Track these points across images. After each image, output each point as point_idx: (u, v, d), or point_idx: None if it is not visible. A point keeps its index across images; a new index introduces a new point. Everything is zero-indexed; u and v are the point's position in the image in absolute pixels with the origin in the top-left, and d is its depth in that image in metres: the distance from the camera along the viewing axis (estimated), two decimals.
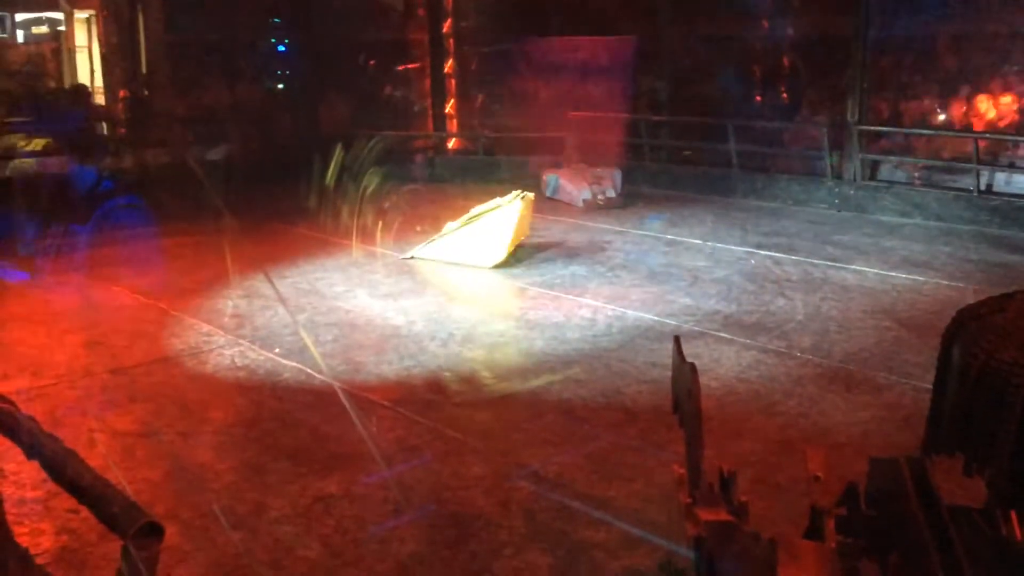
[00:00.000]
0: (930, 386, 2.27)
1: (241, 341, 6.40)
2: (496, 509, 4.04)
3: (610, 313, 6.98)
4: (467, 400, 5.38)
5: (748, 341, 6.24)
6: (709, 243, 9.40)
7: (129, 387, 5.59)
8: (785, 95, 13.54)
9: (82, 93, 14.33)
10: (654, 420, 4.87)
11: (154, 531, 1.81)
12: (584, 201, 11.50)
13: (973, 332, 2.03)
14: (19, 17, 15.90)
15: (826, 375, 5.61)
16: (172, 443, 4.79)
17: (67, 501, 2.36)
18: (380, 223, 9.49)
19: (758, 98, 13.43)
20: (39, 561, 2.87)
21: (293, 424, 5.02)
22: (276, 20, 15.56)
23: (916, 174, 11.54)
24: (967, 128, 11.43)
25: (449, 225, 8.78)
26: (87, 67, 15.42)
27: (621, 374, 5.67)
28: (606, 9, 14.10)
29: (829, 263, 8.48)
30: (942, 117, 12.15)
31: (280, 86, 15.77)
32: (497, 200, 8.77)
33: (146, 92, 14.19)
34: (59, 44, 15.73)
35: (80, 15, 15.51)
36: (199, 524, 3.93)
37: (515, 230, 8.58)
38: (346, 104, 15.12)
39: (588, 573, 3.56)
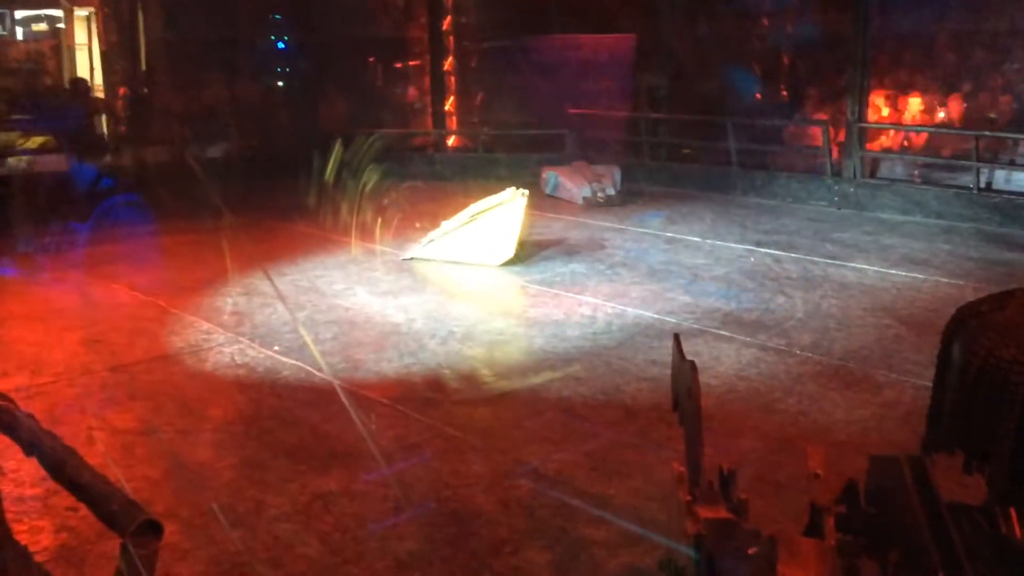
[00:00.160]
0: (930, 384, 2.27)
1: (241, 339, 6.40)
2: (496, 507, 4.04)
3: (610, 311, 6.98)
4: (467, 398, 5.37)
5: (748, 339, 6.24)
6: (709, 241, 9.40)
7: (128, 385, 5.59)
8: (785, 93, 13.55)
9: (81, 88, 14.31)
10: (654, 418, 4.87)
11: (153, 529, 1.81)
12: (584, 199, 11.50)
13: (973, 330, 2.03)
14: (19, 15, 15.88)
15: (826, 373, 5.61)
16: (171, 441, 4.79)
17: (66, 499, 2.36)
18: (380, 221, 9.49)
19: (758, 96, 13.43)
20: (38, 559, 2.86)
21: (293, 422, 5.02)
22: (276, 17, 15.55)
23: (916, 171, 11.55)
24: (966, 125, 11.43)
25: (446, 224, 8.74)
26: (87, 65, 15.40)
27: (621, 372, 5.67)
28: (606, 6, 14.09)
29: (829, 261, 8.47)
30: (941, 115, 12.15)
31: (280, 83, 15.76)
32: (494, 197, 8.77)
33: (146, 90, 14.18)
34: (59, 42, 15.71)
35: (80, 12, 15.48)
36: (199, 522, 3.93)
37: (521, 226, 8.58)
38: (346, 101, 15.11)
39: (588, 570, 3.56)
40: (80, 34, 15.55)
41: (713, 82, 13.25)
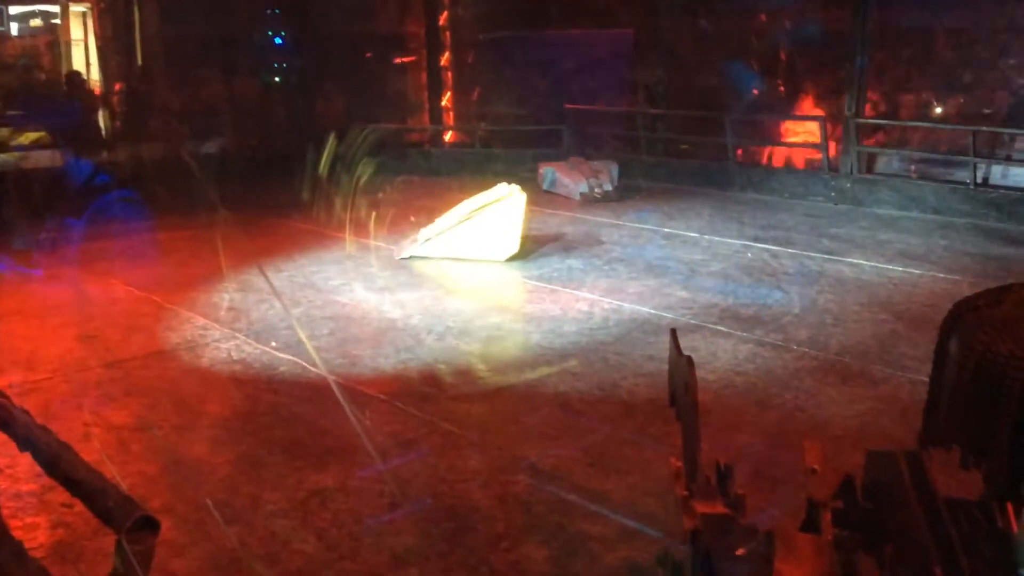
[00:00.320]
0: (926, 379, 2.27)
1: (237, 335, 6.39)
2: (493, 502, 4.04)
3: (607, 306, 6.98)
4: (464, 393, 5.37)
5: (745, 334, 6.24)
6: (706, 236, 9.40)
7: (124, 381, 5.58)
8: (782, 88, 13.54)
9: (77, 83, 14.26)
10: (651, 413, 4.87)
11: (149, 525, 1.80)
12: (581, 194, 11.49)
13: (970, 325, 2.03)
14: (13, 10, 15.82)
15: (823, 368, 5.61)
16: (168, 437, 4.78)
17: (62, 495, 2.35)
18: (377, 216, 9.47)
19: (755, 91, 13.43)
20: (34, 555, 2.86)
21: (289, 418, 5.01)
22: (273, 13, 15.52)
23: (912, 167, 11.55)
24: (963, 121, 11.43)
25: (442, 220, 8.70)
26: (83, 61, 15.35)
27: (618, 367, 5.67)
28: (604, 1, 14.08)
29: (826, 256, 8.48)
30: (939, 110, 12.15)
31: (277, 79, 15.73)
32: (488, 193, 8.75)
33: (142, 86, 14.14)
34: (54, 37, 15.66)
35: (76, 8, 15.43)
36: (195, 518, 3.92)
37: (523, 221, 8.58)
38: (343, 97, 15.08)
39: (585, 566, 3.56)
40: (76, 30, 15.49)
41: (711, 78, 13.24)
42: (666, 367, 2.72)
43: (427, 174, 13.30)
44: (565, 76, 14.49)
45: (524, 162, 12.84)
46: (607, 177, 11.81)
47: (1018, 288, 2.11)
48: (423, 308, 7.01)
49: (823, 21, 12.50)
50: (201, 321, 6.72)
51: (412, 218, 9.56)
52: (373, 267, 8.29)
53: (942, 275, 7.73)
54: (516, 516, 3.92)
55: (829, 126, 11.65)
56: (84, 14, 15.27)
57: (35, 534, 3.78)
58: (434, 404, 5.15)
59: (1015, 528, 1.75)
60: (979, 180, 10.40)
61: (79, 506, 1.96)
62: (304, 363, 5.80)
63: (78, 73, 14.64)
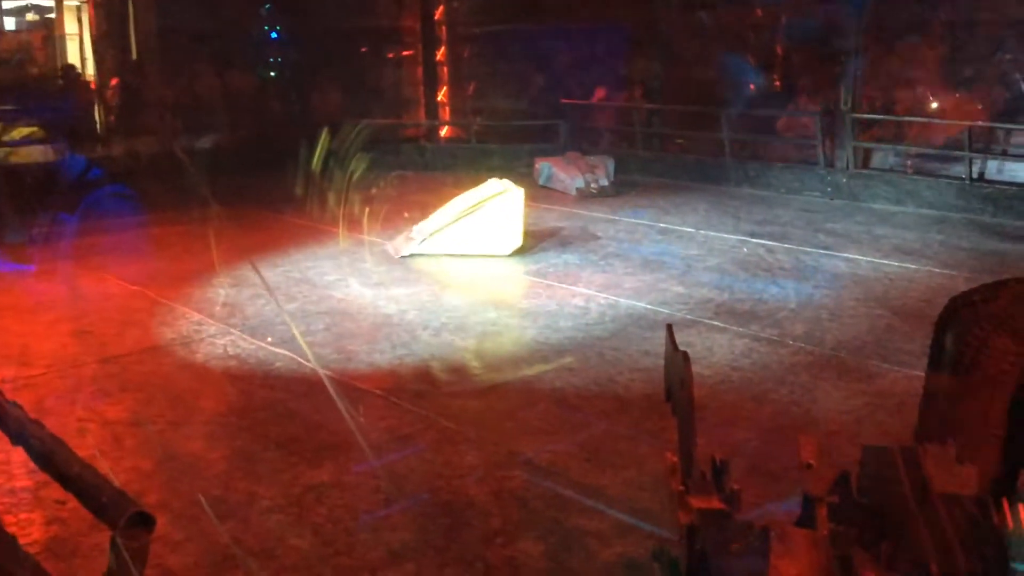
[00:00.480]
0: (922, 374, 2.27)
1: (232, 330, 6.38)
2: (489, 497, 4.03)
3: (603, 302, 6.98)
4: (459, 389, 5.37)
5: (741, 329, 6.24)
6: (702, 231, 9.40)
7: (119, 376, 5.56)
8: (778, 83, 13.53)
9: (71, 76, 14.20)
10: (647, 408, 4.87)
11: (144, 521, 1.79)
12: (577, 189, 11.48)
13: (966, 319, 2.03)
14: (8, 4, 15.75)
15: (819, 363, 5.61)
16: (163, 432, 4.77)
17: (57, 491, 2.34)
18: (371, 212, 9.45)
19: (751, 86, 13.42)
20: (29, 551, 2.85)
21: (285, 413, 5.01)
22: (268, 7, 15.47)
23: (908, 162, 11.55)
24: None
25: (438, 216, 8.67)
26: (77, 55, 15.30)
27: (614, 362, 5.67)
28: None
29: (822, 251, 8.48)
30: (935, 105, 12.15)
31: (272, 74, 15.68)
32: (481, 188, 8.74)
33: (136, 80, 14.09)
34: (49, 32, 15.60)
35: (70, 2, 15.37)
36: (190, 513, 3.92)
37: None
38: (338, 92, 15.05)
39: (581, 561, 3.56)
40: (70, 24, 15.44)
41: (707, 72, 13.22)
42: (662, 362, 2.71)
43: (421, 169, 13.28)
44: (561, 71, 14.47)
45: (520, 157, 12.83)
46: (603, 172, 11.81)
47: (1013, 283, 2.11)
48: (419, 303, 7.01)
49: (819, 16, 12.49)
50: (196, 316, 6.71)
51: (406, 214, 9.54)
52: (368, 262, 8.28)
53: (938, 270, 7.73)
54: (512, 511, 3.92)
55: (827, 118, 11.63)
56: (78, 8, 15.21)
57: (30, 530, 3.77)
58: (430, 399, 5.15)
59: (1010, 524, 1.76)
60: (975, 175, 10.41)
61: (74, 502, 1.95)
62: (299, 358, 5.79)
63: (73, 67, 14.59)
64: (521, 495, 4.05)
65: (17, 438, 2.03)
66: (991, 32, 11.73)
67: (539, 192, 11.31)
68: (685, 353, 2.28)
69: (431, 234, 8.51)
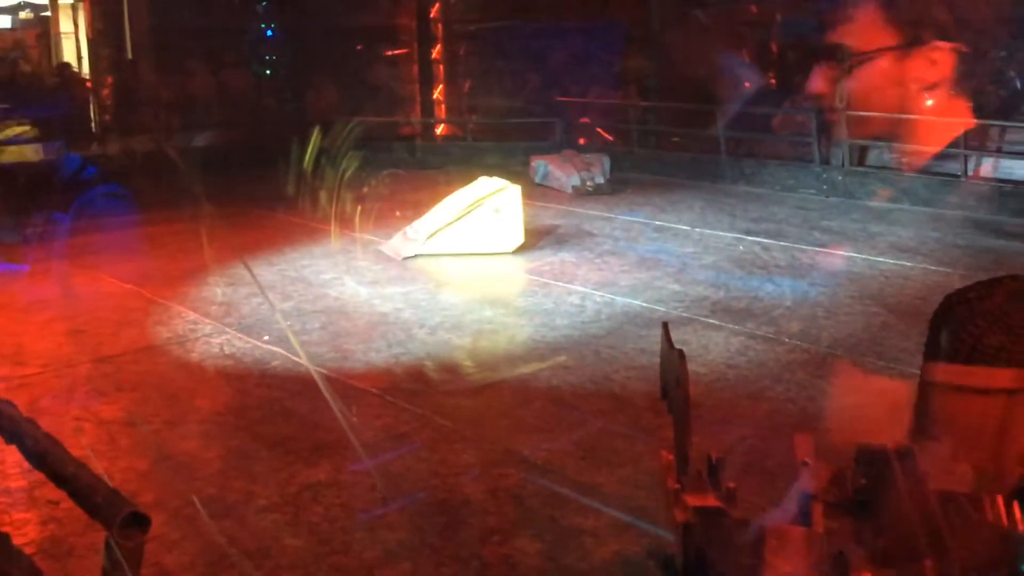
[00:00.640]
0: (918, 371, 2.27)
1: (228, 329, 6.37)
2: (485, 496, 4.03)
3: (599, 300, 6.98)
4: (455, 387, 5.36)
5: (736, 327, 6.24)
6: (697, 229, 9.40)
7: (114, 376, 5.55)
8: (774, 81, 13.54)
9: (67, 75, 14.17)
10: (643, 406, 4.87)
11: (139, 521, 1.79)
12: (573, 187, 11.48)
13: (961, 317, 2.03)
14: (3, 2, 15.71)
15: (814, 361, 5.62)
16: (158, 432, 4.77)
17: (52, 491, 2.34)
18: (367, 211, 9.44)
19: (747, 84, 13.42)
20: (26, 551, 2.84)
21: (281, 412, 5.00)
22: (263, 4, 15.44)
23: (904, 159, 11.56)
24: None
25: (435, 216, 8.63)
26: (73, 53, 15.27)
27: (610, 360, 5.67)
28: None
29: (817, 249, 8.49)
30: (930, 103, 12.16)
31: (267, 72, 15.66)
32: (473, 187, 8.72)
33: (131, 78, 14.07)
34: (44, 29, 15.56)
35: (65, 0, 15.34)
36: (186, 513, 3.91)
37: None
38: (334, 90, 15.04)
39: (577, 559, 3.56)
40: (66, 22, 15.41)
41: (703, 70, 13.21)
42: (658, 360, 2.71)
43: (415, 168, 13.24)
44: (557, 68, 14.46)
45: (515, 155, 12.81)
46: (599, 170, 11.80)
47: (1009, 281, 2.11)
48: (414, 302, 7.00)
49: (814, 13, 12.49)
50: (192, 316, 6.69)
51: (398, 212, 9.53)
52: (364, 261, 8.27)
53: (933, 267, 7.74)
54: (508, 510, 3.92)
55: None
56: (73, 6, 15.18)
57: (25, 529, 3.76)
58: (426, 398, 5.15)
59: (1005, 520, 1.76)
60: (970, 173, 10.42)
61: (68, 502, 1.94)
62: (296, 358, 5.79)
63: (68, 65, 14.56)
64: (517, 493, 4.05)
65: (11, 437, 2.02)
66: (986, 30, 11.74)
67: (535, 190, 11.31)
68: (681, 351, 2.28)
69: (433, 233, 8.45)
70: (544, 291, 7.26)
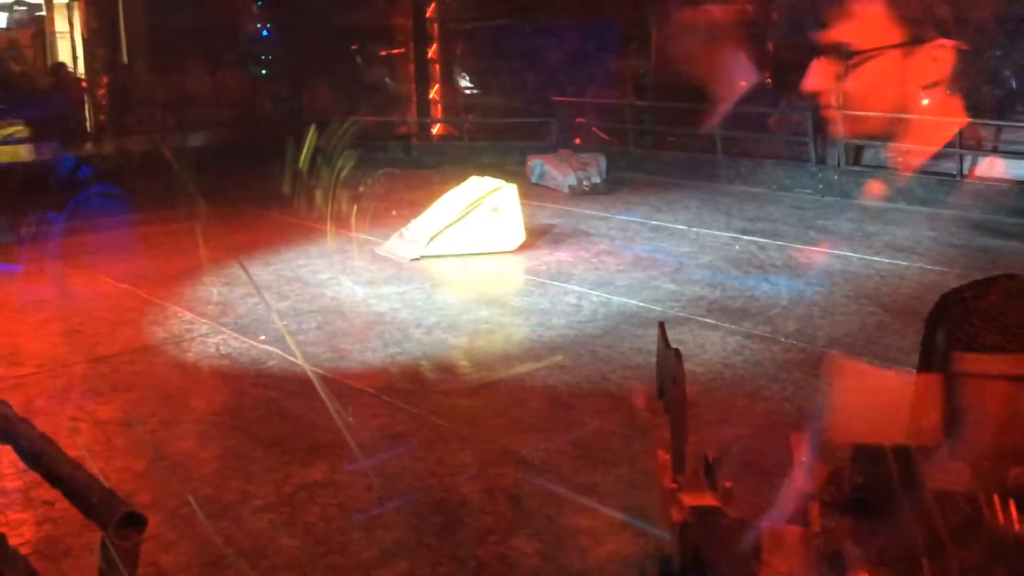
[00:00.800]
0: (913, 370, 2.27)
1: (224, 329, 6.36)
2: (482, 496, 4.03)
3: (595, 299, 6.98)
4: (452, 387, 5.36)
5: (733, 326, 6.25)
6: (694, 229, 9.41)
7: (110, 376, 5.54)
8: (769, 80, 13.54)
9: (62, 74, 14.13)
10: (639, 406, 4.87)
11: (135, 522, 1.78)
12: (569, 187, 11.48)
13: (956, 316, 2.03)
14: None
15: (811, 360, 5.62)
16: (154, 432, 4.76)
17: (47, 491, 2.33)
18: (363, 210, 9.43)
19: (742, 83, 13.42)
20: (22, 552, 2.84)
21: (277, 412, 4.99)
22: (260, 3, 15.42)
23: (899, 159, 11.57)
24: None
25: (434, 216, 8.61)
26: (68, 53, 15.23)
27: (606, 360, 5.67)
28: None
29: (813, 248, 8.49)
30: (926, 102, 12.18)
31: (263, 72, 15.64)
32: (467, 186, 8.72)
33: (126, 78, 14.04)
34: (39, 29, 15.52)
35: (60, 0, 15.30)
36: (183, 512, 3.90)
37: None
38: (330, 90, 15.02)
39: (574, 558, 3.57)
40: (61, 22, 15.37)
41: (698, 69, 13.21)
42: (654, 360, 2.71)
43: (411, 167, 13.22)
44: (554, 68, 14.46)
45: (512, 154, 12.80)
46: (595, 169, 11.80)
47: (1005, 279, 2.11)
48: (411, 302, 6.99)
49: (811, 11, 12.51)
50: (188, 316, 6.68)
51: (394, 212, 9.53)
52: (361, 261, 8.26)
53: (929, 267, 7.76)
54: (505, 509, 3.92)
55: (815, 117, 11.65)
56: (68, 6, 15.14)
57: (21, 530, 3.76)
58: (423, 398, 5.14)
59: (1002, 519, 1.76)
60: (966, 172, 10.43)
61: (64, 502, 1.93)
62: (292, 357, 5.78)
63: (63, 65, 14.52)
64: (514, 493, 4.05)
65: (6, 437, 2.01)
66: (982, 29, 11.76)
67: (531, 190, 11.30)
68: (677, 350, 2.28)
69: (435, 235, 8.41)
70: (540, 291, 7.26)
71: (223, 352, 5.92)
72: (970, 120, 10.85)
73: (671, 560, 2.22)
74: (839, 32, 1.87)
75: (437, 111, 15.96)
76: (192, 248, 8.46)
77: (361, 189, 10.07)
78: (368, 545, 3.66)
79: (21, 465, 2.05)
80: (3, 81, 13.81)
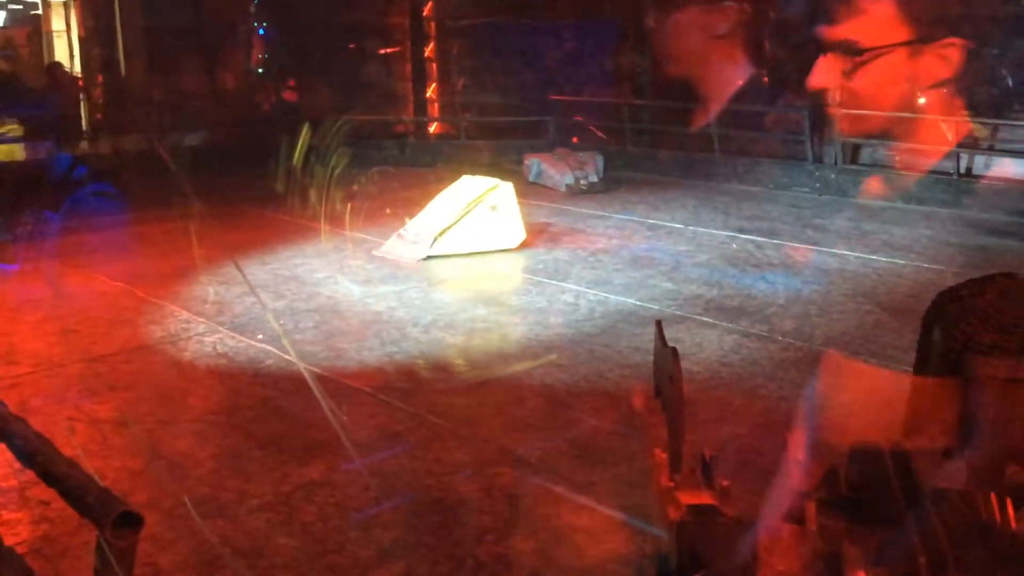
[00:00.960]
0: (910, 369, 2.27)
1: (220, 328, 6.35)
2: (479, 495, 4.03)
3: (592, 298, 6.98)
4: (449, 386, 5.36)
5: (730, 325, 6.25)
6: (691, 227, 9.41)
7: (107, 375, 5.53)
8: (766, 79, 13.54)
9: (58, 74, 14.10)
10: (637, 405, 4.87)
11: (131, 521, 1.78)
12: (567, 186, 11.48)
13: (953, 315, 2.03)
14: None
15: (808, 359, 5.62)
16: (151, 431, 4.75)
17: (44, 490, 2.33)
18: (359, 209, 9.42)
19: (739, 82, 13.42)
20: (18, 551, 2.83)
21: (274, 411, 4.99)
22: (255, 2, 15.40)
23: (896, 157, 11.58)
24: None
25: (433, 216, 8.60)
26: (65, 52, 15.20)
27: (604, 359, 5.67)
28: None
29: (810, 247, 8.50)
30: (922, 100, 12.19)
31: (260, 70, 15.62)
32: (461, 185, 8.71)
33: (123, 76, 14.02)
34: (35, 28, 15.49)
35: None
36: (179, 512, 3.90)
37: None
38: (327, 89, 15.00)
39: (572, 557, 3.57)
40: (57, 21, 15.34)
41: (694, 68, 13.21)
42: (652, 359, 2.71)
43: (405, 166, 13.20)
44: (551, 66, 14.45)
45: (509, 153, 12.80)
46: (593, 168, 11.81)
47: (1001, 278, 2.11)
48: (408, 300, 6.99)
49: (808, 10, 12.51)
50: (184, 315, 6.67)
51: (388, 210, 9.52)
52: (357, 260, 8.26)
53: (926, 265, 7.77)
54: (503, 508, 3.92)
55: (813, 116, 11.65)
56: (65, 4, 15.12)
57: (17, 529, 3.75)
58: (420, 397, 5.14)
59: (998, 517, 1.76)
60: (963, 170, 10.45)
61: (60, 502, 1.93)
62: (289, 357, 5.77)
63: (59, 64, 14.49)
64: (511, 492, 4.05)
65: (1, 436, 2.00)
66: (979, 27, 11.77)
67: (529, 188, 11.30)
68: (674, 349, 2.28)
69: (440, 233, 8.37)
70: (538, 289, 7.26)
71: (220, 351, 5.91)
72: (975, 120, 10.86)
73: (668, 559, 2.22)
74: (846, 29, 1.86)
75: (434, 110, 15.95)
76: (188, 247, 8.44)
77: (355, 188, 10.07)
78: (366, 544, 3.66)
79: (17, 464, 2.05)
80: (2, 80, 13.78)
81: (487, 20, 14.86)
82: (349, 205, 9.41)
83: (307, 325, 6.42)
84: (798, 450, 2.12)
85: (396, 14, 15.89)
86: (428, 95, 15.77)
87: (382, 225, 9.13)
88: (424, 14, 15.62)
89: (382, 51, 16.04)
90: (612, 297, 6.99)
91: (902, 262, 7.89)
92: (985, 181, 10.30)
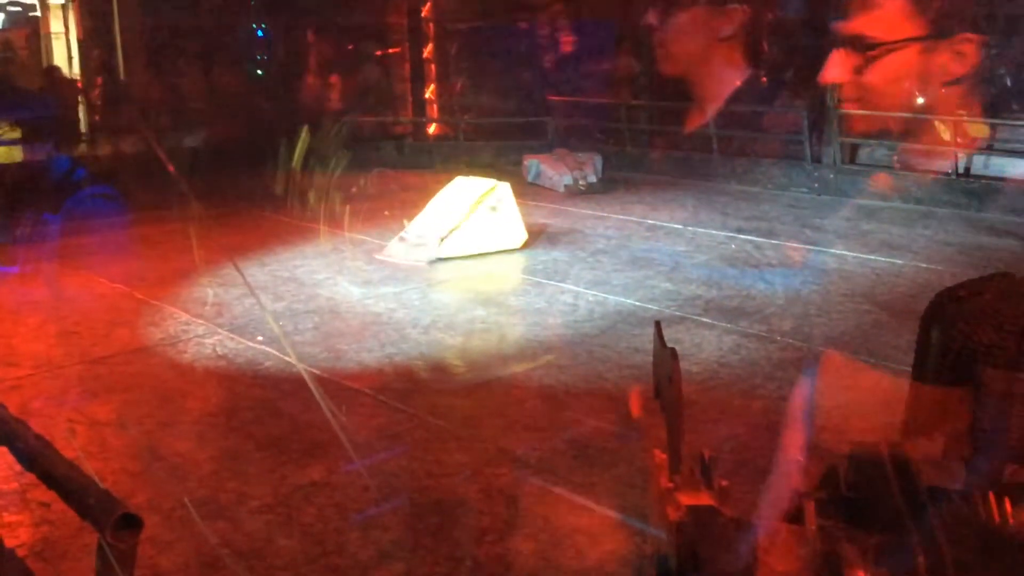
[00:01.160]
0: (909, 369, 2.27)
1: (220, 330, 6.35)
2: (479, 496, 4.03)
3: (591, 299, 6.98)
4: (448, 387, 5.36)
5: (729, 325, 6.25)
6: (690, 228, 9.41)
7: (107, 377, 5.53)
8: (764, 79, 13.54)
9: (56, 77, 14.09)
10: (635, 405, 4.87)
11: (132, 523, 1.78)
12: (566, 186, 11.49)
13: (952, 314, 2.03)
14: None
15: (807, 358, 5.63)
16: (151, 433, 4.75)
17: (44, 493, 2.33)
18: (358, 211, 9.42)
19: (739, 83, 13.42)
20: (19, 554, 2.83)
21: (274, 413, 4.99)
22: (255, 2, 15.39)
23: (895, 157, 11.59)
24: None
25: (434, 218, 8.60)
26: (64, 54, 15.19)
27: (602, 359, 5.67)
28: None
29: (809, 247, 8.51)
30: (921, 100, 12.19)
31: (259, 71, 15.62)
32: (457, 186, 8.72)
33: (122, 78, 14.01)
34: (33, 30, 15.48)
35: (55, 1, 15.26)
36: (179, 514, 3.90)
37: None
38: (326, 89, 14.99)
39: (571, 558, 3.57)
40: (56, 23, 15.33)
41: (692, 68, 13.21)
42: (651, 359, 2.72)
43: (404, 167, 13.19)
44: (549, 67, 14.46)
45: (508, 154, 12.81)
46: (591, 169, 11.81)
47: (1000, 278, 2.12)
48: (407, 301, 6.99)
49: (805, 9, 12.51)
50: (184, 316, 6.67)
51: (387, 212, 9.52)
52: (357, 261, 8.26)
53: (924, 265, 7.77)
54: (502, 509, 3.92)
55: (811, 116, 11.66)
56: (64, 6, 15.11)
57: (17, 532, 3.75)
58: (419, 398, 5.14)
59: (997, 517, 1.76)
60: (961, 170, 10.46)
61: (61, 504, 1.93)
62: (288, 358, 5.78)
63: (57, 68, 14.48)
64: (511, 493, 4.05)
65: (1, 438, 2.00)
66: (977, 26, 11.78)
67: (527, 189, 11.31)
68: (673, 349, 2.28)
69: (447, 235, 8.35)
70: (537, 290, 7.26)
71: (219, 353, 5.91)
72: (972, 120, 10.87)
73: (667, 559, 2.22)
74: (860, 23, 1.85)
75: (433, 111, 15.95)
76: (187, 249, 8.44)
77: (354, 189, 10.07)
78: (365, 545, 3.66)
79: (17, 467, 2.05)
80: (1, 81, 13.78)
81: (486, 21, 14.86)
82: (348, 206, 9.42)
83: (306, 326, 6.42)
84: (793, 450, 2.12)
85: (394, 15, 15.89)
86: (426, 96, 15.77)
87: (381, 226, 9.13)
88: (422, 15, 15.62)
89: (380, 52, 16.04)
90: (611, 298, 6.99)
91: (901, 262, 7.89)
92: (984, 181, 10.31)
